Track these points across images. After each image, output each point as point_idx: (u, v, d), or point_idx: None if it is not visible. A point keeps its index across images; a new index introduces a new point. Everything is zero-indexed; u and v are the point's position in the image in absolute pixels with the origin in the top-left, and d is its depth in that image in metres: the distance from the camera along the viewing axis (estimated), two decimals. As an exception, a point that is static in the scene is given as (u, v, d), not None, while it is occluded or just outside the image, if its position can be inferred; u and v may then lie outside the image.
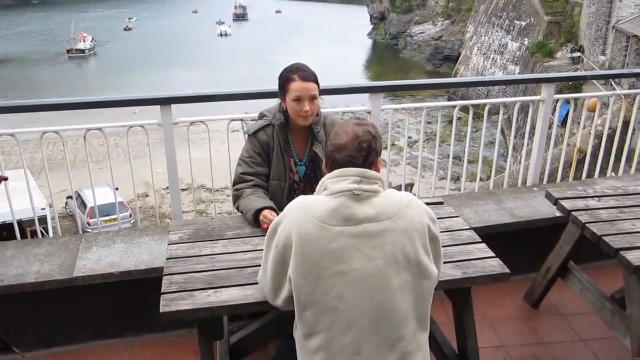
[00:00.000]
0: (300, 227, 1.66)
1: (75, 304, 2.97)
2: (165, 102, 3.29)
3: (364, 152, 1.72)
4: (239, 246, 2.33)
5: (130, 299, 2.99)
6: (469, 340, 2.39)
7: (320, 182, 1.80)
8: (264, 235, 1.87)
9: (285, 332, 1.88)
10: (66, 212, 18.72)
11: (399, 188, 3.79)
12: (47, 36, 60.26)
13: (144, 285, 2.65)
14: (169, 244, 2.34)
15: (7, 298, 2.78)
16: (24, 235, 3.99)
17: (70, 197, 16.27)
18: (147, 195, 19.45)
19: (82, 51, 52.04)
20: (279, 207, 2.51)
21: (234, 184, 2.69)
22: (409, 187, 5.18)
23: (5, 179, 1.47)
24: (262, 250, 1.89)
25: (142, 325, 3.03)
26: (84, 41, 52.88)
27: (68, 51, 51.54)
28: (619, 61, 20.82)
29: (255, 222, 2.47)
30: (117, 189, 4.63)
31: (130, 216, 15.93)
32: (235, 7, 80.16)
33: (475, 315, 2.41)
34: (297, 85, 2.52)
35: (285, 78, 2.56)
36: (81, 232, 3.71)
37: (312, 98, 2.54)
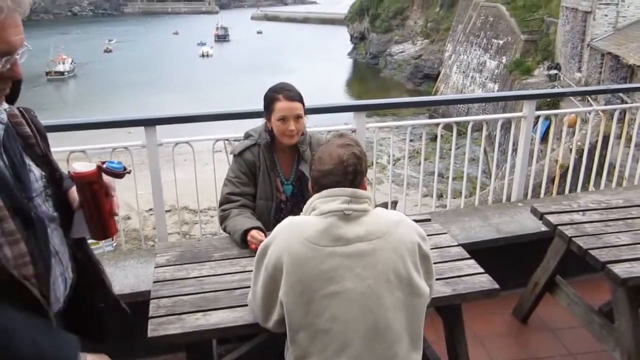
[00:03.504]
0: (291, 249, 1.65)
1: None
2: (149, 123, 3.27)
3: (350, 176, 1.71)
4: (227, 268, 2.30)
5: (115, 323, 2.92)
6: (461, 358, 2.38)
7: (309, 202, 1.78)
8: (253, 256, 1.85)
9: (275, 354, 1.85)
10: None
11: (384, 206, 3.79)
12: (26, 58, 59.87)
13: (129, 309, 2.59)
14: (155, 267, 2.30)
15: None
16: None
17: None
18: (129, 218, 19.22)
19: (62, 73, 51.59)
20: (266, 227, 2.49)
21: (220, 205, 2.67)
22: (394, 204, 5.18)
23: (128, 172, 1.47)
24: (250, 271, 1.86)
25: (128, 350, 2.96)
26: (64, 63, 52.46)
27: (47, 73, 51.09)
28: (595, 78, 21.27)
29: (243, 242, 2.44)
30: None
31: (112, 239, 15.68)
32: (217, 28, 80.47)
33: (465, 332, 2.40)
34: (282, 105, 2.53)
35: (271, 98, 2.57)
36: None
37: (298, 117, 2.55)
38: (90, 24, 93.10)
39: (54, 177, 1.45)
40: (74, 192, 1.48)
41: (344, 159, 1.71)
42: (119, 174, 1.46)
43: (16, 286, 1.23)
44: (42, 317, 1.29)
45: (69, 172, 1.45)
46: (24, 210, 1.27)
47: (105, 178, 1.46)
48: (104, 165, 1.45)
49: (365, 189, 1.77)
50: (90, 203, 1.44)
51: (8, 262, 1.21)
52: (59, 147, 3.35)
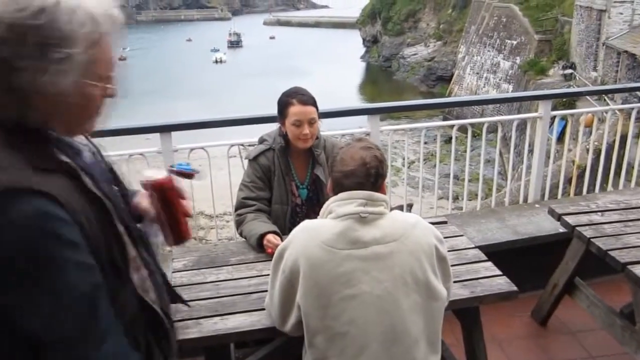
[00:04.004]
0: (308, 252, 1.65)
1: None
2: (165, 129, 3.30)
3: (372, 178, 1.71)
4: (244, 272, 2.31)
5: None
6: (479, 361, 2.36)
7: (325, 205, 1.78)
8: (269, 261, 1.86)
9: (293, 358, 1.85)
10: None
11: (399, 208, 3.78)
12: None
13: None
14: (173, 272, 2.32)
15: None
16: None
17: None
18: (145, 224, 19.36)
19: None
20: (282, 231, 2.50)
21: (236, 209, 2.68)
22: (409, 207, 5.17)
23: (197, 172, 1.49)
24: (267, 275, 1.87)
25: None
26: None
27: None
28: (611, 77, 21.03)
29: (260, 247, 2.45)
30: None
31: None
32: (230, 34, 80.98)
33: (484, 335, 2.38)
34: (296, 109, 2.54)
35: (284, 102, 2.58)
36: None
37: (312, 121, 2.56)
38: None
39: (124, 191, 1.39)
40: (139, 204, 1.44)
41: (366, 160, 1.71)
42: (189, 174, 1.46)
43: (145, 316, 1.19)
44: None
45: (142, 181, 1.43)
46: (136, 234, 1.23)
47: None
48: (175, 168, 1.44)
49: (384, 192, 1.77)
50: (166, 209, 1.42)
51: (137, 290, 1.17)
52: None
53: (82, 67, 1.02)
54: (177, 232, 1.46)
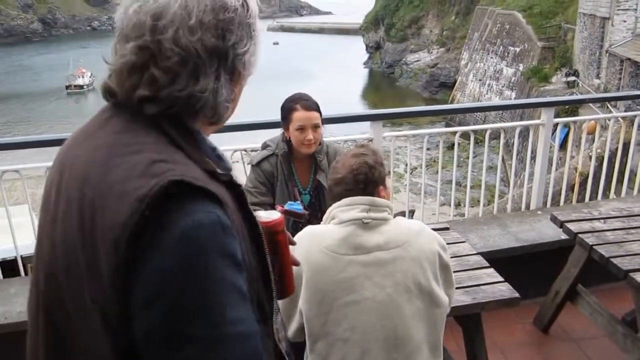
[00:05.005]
0: (310, 258, 1.66)
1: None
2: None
3: (361, 185, 1.72)
4: (246, 277, 2.31)
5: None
6: (481, 368, 2.36)
7: (328, 211, 1.79)
8: (272, 266, 1.86)
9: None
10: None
11: (401, 214, 3.79)
12: (47, 72, 60.96)
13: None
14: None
15: (11, 336, 2.74)
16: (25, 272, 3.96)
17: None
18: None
19: (81, 87, 52.39)
20: (284, 237, 2.50)
21: (239, 215, 2.68)
22: (411, 213, 5.17)
23: (309, 212, 1.30)
24: (270, 280, 1.87)
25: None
26: (83, 77, 53.28)
27: (67, 87, 51.95)
28: (614, 84, 21.01)
29: (262, 252, 2.45)
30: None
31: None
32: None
33: (485, 341, 2.38)
34: (300, 115, 2.55)
35: (288, 108, 2.59)
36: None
37: (315, 127, 2.57)
38: (109, 38, 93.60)
39: None
40: None
41: (354, 167, 1.73)
42: (301, 214, 1.24)
43: None
44: None
45: None
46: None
47: None
48: (287, 207, 1.25)
49: (384, 197, 1.77)
50: (275, 256, 1.14)
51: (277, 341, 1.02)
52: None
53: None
54: (284, 283, 1.21)
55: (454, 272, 1.91)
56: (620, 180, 4.39)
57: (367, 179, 1.72)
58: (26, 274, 4.02)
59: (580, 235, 2.78)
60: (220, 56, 0.90)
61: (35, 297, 0.95)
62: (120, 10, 0.92)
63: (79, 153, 0.91)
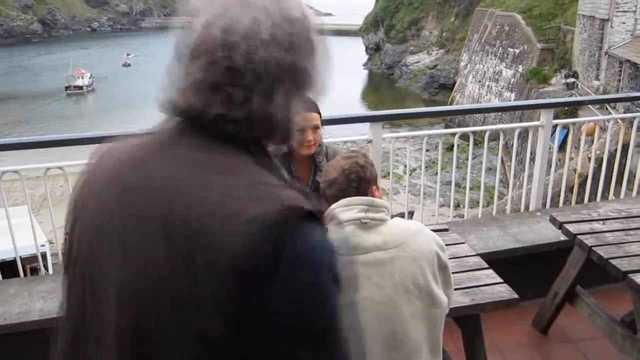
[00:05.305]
0: (309, 258, 1.66)
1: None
2: (168, 135, 3.31)
3: (354, 184, 1.73)
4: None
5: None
6: (480, 369, 2.36)
7: (327, 212, 1.80)
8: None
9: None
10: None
11: (401, 216, 3.79)
12: (47, 73, 60.93)
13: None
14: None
15: (10, 337, 2.75)
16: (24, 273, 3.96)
17: (70, 233, 16.17)
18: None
19: (81, 88, 52.36)
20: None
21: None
22: (410, 214, 5.18)
23: None
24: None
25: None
26: (82, 78, 53.26)
27: (66, 88, 51.94)
28: (613, 86, 21.04)
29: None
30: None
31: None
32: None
33: (484, 343, 2.38)
34: (299, 116, 2.55)
35: (288, 109, 2.59)
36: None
37: (315, 127, 2.57)
38: (109, 39, 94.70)
39: None
40: None
41: (345, 167, 1.75)
42: None
43: None
44: None
45: None
46: None
47: None
48: None
49: (379, 197, 1.78)
50: None
51: None
52: (78, 160, 3.42)
53: None
54: None
55: (453, 273, 1.92)
56: (619, 182, 4.39)
57: (359, 178, 1.74)
58: (25, 274, 4.03)
59: (579, 236, 2.79)
60: (290, 72, 0.87)
61: (102, 323, 0.86)
62: (184, 25, 0.88)
63: (149, 168, 0.85)
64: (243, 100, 0.84)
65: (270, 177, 0.84)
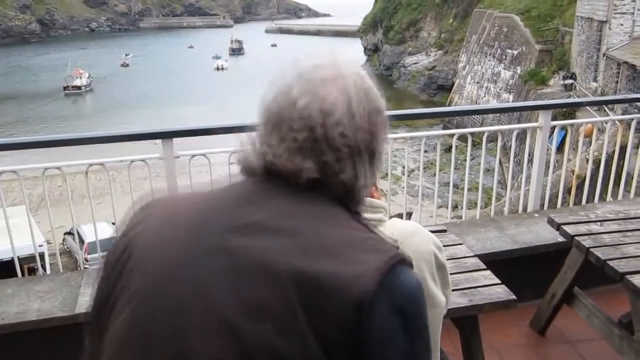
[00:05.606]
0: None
1: (78, 341, 2.92)
2: (167, 136, 3.31)
3: None
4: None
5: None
6: (477, 370, 2.37)
7: (325, 212, 1.80)
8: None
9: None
10: (64, 248, 18.60)
11: (399, 217, 3.79)
12: (45, 73, 60.84)
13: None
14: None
15: (8, 337, 2.74)
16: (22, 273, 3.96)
17: (68, 234, 16.16)
18: (145, 230, 19.33)
19: (79, 88, 52.33)
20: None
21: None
22: (408, 215, 5.18)
23: None
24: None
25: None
26: (81, 78, 53.20)
27: (65, 88, 51.88)
28: (611, 87, 21.08)
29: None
30: (113, 223, 4.60)
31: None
32: (232, 41, 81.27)
33: (482, 343, 2.39)
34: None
35: (286, 110, 2.60)
36: (82, 268, 3.69)
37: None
38: (108, 39, 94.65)
39: None
40: None
41: None
42: None
43: None
44: None
45: None
46: None
47: None
48: None
49: (376, 198, 1.78)
50: None
51: None
52: (77, 160, 3.42)
53: None
54: None
55: (451, 274, 1.92)
56: (617, 183, 4.40)
57: None
58: (22, 274, 4.02)
59: (577, 237, 2.79)
60: (370, 152, 1.00)
61: None
62: (279, 99, 1.01)
63: (237, 216, 0.94)
64: (338, 170, 0.97)
65: (370, 232, 0.97)
